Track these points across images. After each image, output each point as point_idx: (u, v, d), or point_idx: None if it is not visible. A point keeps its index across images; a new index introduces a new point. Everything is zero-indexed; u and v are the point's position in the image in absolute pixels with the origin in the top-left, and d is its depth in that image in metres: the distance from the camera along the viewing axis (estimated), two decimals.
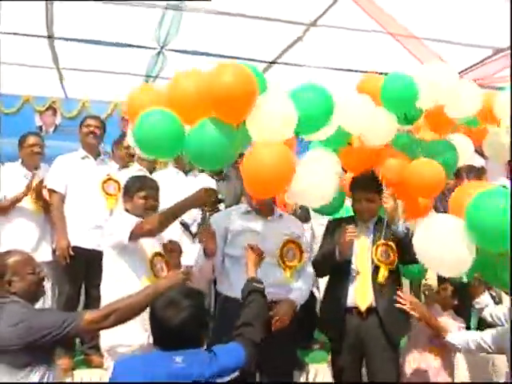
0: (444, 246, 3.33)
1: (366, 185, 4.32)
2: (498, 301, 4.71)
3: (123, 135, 6.01)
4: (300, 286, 4.17)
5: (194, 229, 5.06)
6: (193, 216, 5.04)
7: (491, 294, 4.63)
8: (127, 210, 4.13)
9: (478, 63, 7.25)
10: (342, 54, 6.68)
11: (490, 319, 4.37)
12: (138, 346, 3.79)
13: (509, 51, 6.71)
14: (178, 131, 3.42)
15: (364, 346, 4.26)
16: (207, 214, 4.28)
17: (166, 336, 2.80)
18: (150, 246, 4.05)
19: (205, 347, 2.88)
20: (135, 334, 3.78)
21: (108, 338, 3.84)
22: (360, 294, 4.26)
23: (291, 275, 4.09)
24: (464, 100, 4.08)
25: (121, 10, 6.04)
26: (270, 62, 7.12)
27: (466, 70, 7.22)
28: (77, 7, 5.98)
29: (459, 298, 4.73)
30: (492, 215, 3.15)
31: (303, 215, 5.49)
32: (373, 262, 4.26)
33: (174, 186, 5.08)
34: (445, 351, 4.51)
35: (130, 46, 6.75)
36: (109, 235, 4.03)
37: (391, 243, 4.26)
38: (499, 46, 6.87)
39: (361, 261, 4.31)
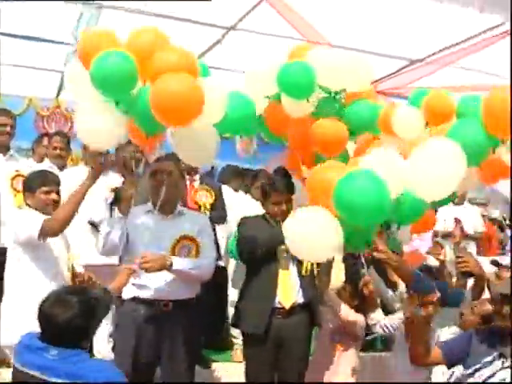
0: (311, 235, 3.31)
1: (284, 187, 4.46)
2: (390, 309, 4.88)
3: (44, 135, 5.97)
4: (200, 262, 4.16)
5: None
6: (101, 214, 4.99)
7: (384, 306, 4.82)
8: (29, 205, 4.08)
9: (393, 73, 7.46)
10: (260, 59, 6.72)
11: (382, 332, 4.61)
12: None
13: (422, 63, 6.97)
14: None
15: (281, 345, 4.37)
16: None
17: (48, 330, 2.81)
18: (57, 247, 4.02)
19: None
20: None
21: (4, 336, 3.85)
22: (284, 292, 4.35)
23: None
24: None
25: (39, 4, 5.92)
26: None
27: (382, 78, 7.41)
28: None
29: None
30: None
31: (218, 215, 5.52)
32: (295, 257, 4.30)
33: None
34: (346, 344, 4.62)
35: (47, 41, 6.65)
36: (15, 232, 3.96)
37: None
38: (414, 57, 7.10)
39: (282, 261, 4.42)
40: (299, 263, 4.39)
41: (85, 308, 2.82)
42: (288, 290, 4.36)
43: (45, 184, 4.10)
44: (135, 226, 4.11)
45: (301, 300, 4.39)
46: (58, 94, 8.76)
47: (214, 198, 5.59)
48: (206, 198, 5.52)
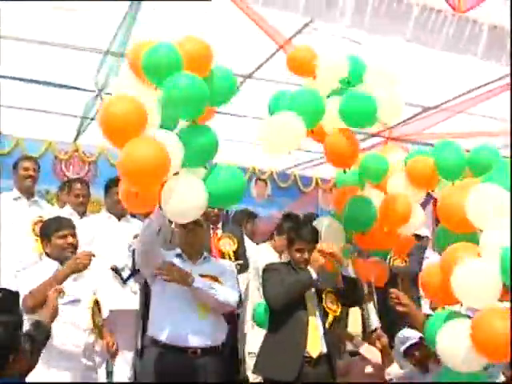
0: None
1: (310, 236, 4.54)
2: None
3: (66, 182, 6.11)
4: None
5: (124, 274, 5.08)
6: (123, 261, 5.08)
7: None
8: (47, 254, 4.14)
9: (407, 119, 7.55)
10: None
11: None
12: None
13: (435, 110, 7.07)
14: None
15: None
16: None
17: None
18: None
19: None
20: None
21: None
22: (312, 340, 4.34)
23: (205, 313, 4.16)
24: None
25: (59, 51, 6.07)
26: None
27: (397, 125, 7.49)
28: (15, 46, 5.99)
29: None
30: None
31: (240, 264, 5.59)
32: (322, 308, 4.41)
33: (106, 231, 5.12)
34: None
35: (67, 87, 6.77)
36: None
37: (333, 291, 4.46)
38: (428, 104, 7.20)
39: (310, 308, 4.44)
40: (324, 312, 4.43)
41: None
42: (316, 339, 4.36)
43: (59, 229, 4.16)
44: None
45: (324, 350, 4.38)
46: (76, 139, 8.87)
47: (236, 245, 5.66)
48: (229, 246, 5.60)
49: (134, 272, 5.06)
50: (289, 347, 4.32)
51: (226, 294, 4.19)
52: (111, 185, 5.34)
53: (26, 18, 5.44)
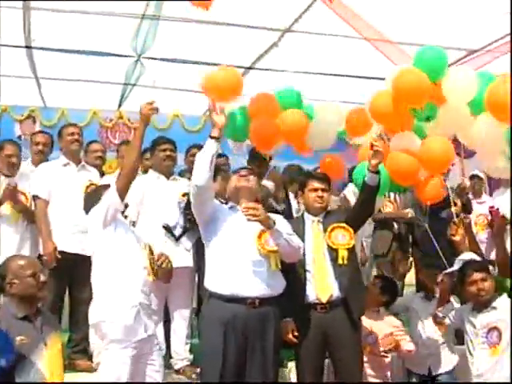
0: None
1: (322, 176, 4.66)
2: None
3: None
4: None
5: (177, 232, 5.15)
6: (175, 219, 5.14)
7: None
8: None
9: (451, 64, 7.39)
10: (317, 59, 6.79)
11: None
12: (120, 322, 3.86)
13: (478, 53, 6.90)
14: None
15: (328, 340, 4.37)
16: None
17: None
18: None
19: None
20: (120, 311, 3.89)
21: (94, 314, 4.02)
22: (320, 287, 4.35)
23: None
24: None
25: (97, 19, 6.10)
26: (247, 68, 7.21)
27: None
28: (53, 17, 6.04)
29: None
30: None
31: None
32: (329, 246, 4.39)
33: (155, 190, 5.19)
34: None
35: (107, 54, 6.80)
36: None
37: (342, 224, 4.44)
38: (471, 47, 7.03)
39: (317, 252, 4.44)
40: (332, 250, 4.43)
41: None
42: (323, 282, 4.38)
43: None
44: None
45: (336, 293, 4.36)
46: (119, 106, 8.95)
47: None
48: None
49: (186, 229, 5.09)
50: (289, 293, 4.30)
51: (298, 240, 4.21)
52: (157, 144, 5.41)
53: None
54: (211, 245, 4.21)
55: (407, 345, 4.89)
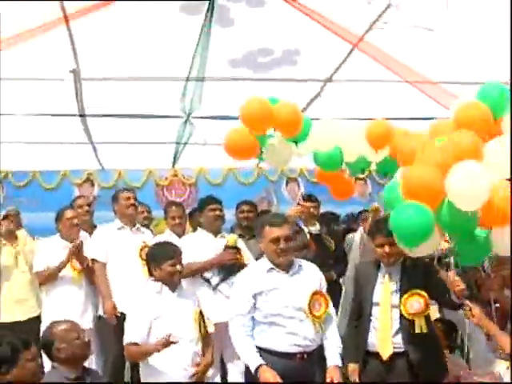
0: None
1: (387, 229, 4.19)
2: None
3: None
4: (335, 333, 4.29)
5: (213, 281, 5.28)
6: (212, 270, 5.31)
7: None
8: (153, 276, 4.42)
9: None
10: (359, 105, 6.88)
11: None
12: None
13: None
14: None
15: None
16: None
17: None
18: None
19: None
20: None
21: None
22: (382, 343, 4.34)
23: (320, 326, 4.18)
24: None
25: (145, 84, 6.34)
26: None
27: None
28: (104, 85, 6.32)
29: None
30: None
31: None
32: (402, 315, 4.32)
33: (204, 248, 5.34)
34: None
35: (157, 116, 7.05)
36: None
37: (419, 291, 4.31)
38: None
39: (383, 307, 4.41)
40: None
41: None
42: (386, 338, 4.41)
43: (171, 257, 4.39)
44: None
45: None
46: (173, 164, 9.20)
47: None
48: None
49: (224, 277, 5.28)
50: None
51: None
52: (206, 204, 5.58)
53: (108, 59, 5.75)
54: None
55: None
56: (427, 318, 4.37)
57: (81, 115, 6.98)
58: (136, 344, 4.16)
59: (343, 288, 6.63)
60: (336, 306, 5.53)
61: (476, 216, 3.71)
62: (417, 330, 4.26)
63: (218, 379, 4.96)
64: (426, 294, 4.30)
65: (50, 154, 8.04)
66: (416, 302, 4.28)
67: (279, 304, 4.08)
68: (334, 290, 5.49)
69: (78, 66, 5.82)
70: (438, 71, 6.34)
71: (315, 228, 5.59)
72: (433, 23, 5.52)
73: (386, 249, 4.39)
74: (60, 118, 6.97)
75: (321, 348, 4.19)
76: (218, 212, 5.52)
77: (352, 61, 6.15)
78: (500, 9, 5.39)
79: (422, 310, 4.27)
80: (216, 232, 5.51)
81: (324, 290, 4.30)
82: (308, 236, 5.57)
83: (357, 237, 6.72)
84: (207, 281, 5.24)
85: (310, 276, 4.29)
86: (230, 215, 6.13)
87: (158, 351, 4.03)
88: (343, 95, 6.72)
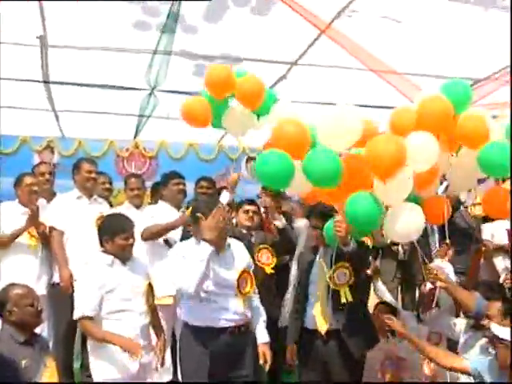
0: None
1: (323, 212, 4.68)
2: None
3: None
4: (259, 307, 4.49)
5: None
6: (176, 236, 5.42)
7: None
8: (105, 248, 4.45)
9: None
10: (323, 90, 6.97)
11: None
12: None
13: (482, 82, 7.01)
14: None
15: (327, 369, 4.59)
16: None
17: None
18: None
19: None
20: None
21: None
22: (319, 318, 4.56)
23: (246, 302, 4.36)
24: None
25: (112, 55, 6.32)
26: None
27: None
28: (70, 54, 6.27)
29: None
30: None
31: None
32: (329, 286, 4.53)
33: (167, 218, 5.55)
34: None
35: (122, 88, 7.04)
36: None
37: (344, 263, 4.51)
38: (477, 76, 7.14)
39: (319, 285, 4.64)
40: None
41: None
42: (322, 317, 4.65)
43: (123, 231, 4.40)
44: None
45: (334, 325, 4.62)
46: (135, 136, 9.18)
47: None
48: None
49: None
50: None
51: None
52: (170, 178, 5.80)
53: (76, 28, 5.72)
54: None
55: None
56: (353, 288, 4.55)
57: (45, 82, 6.91)
58: (91, 319, 4.13)
59: None
60: None
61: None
62: (342, 300, 4.48)
63: (168, 351, 5.03)
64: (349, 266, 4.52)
65: (11, 119, 7.94)
66: (341, 273, 4.51)
67: (211, 281, 4.22)
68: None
69: (46, 33, 5.76)
70: (402, 62, 6.46)
71: (281, 222, 5.77)
72: (401, 15, 5.62)
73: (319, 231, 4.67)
74: (23, 83, 6.90)
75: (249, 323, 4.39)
76: (181, 186, 5.79)
77: (319, 46, 6.21)
78: (467, 6, 5.54)
79: (346, 280, 4.51)
80: (178, 205, 5.71)
81: (251, 269, 4.47)
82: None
83: (301, 224, 6.77)
84: (170, 245, 5.31)
85: (239, 255, 4.44)
86: (189, 190, 6.26)
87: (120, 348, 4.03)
88: (308, 79, 6.80)
